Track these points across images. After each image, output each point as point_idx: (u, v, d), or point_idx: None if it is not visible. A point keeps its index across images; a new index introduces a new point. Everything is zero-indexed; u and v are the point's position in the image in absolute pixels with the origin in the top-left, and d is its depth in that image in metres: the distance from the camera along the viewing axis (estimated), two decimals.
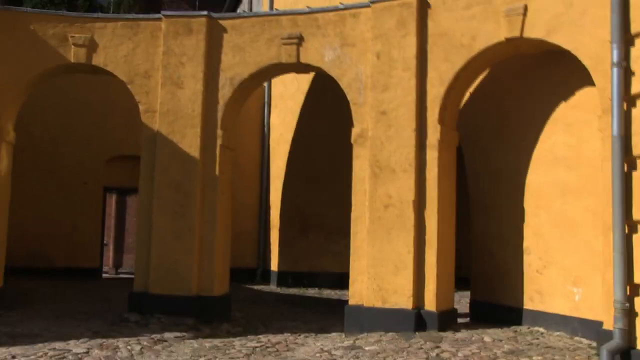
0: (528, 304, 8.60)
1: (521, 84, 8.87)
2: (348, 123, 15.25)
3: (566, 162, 8.22)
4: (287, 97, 15.68)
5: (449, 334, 8.03)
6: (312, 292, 15.03)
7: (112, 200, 26.97)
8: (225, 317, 9.53)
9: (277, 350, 7.66)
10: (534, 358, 6.92)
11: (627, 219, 6.17)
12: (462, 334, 8.04)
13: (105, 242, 28.10)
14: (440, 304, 8.25)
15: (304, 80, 14.66)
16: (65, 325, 8.63)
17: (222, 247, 9.57)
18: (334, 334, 8.93)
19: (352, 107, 8.87)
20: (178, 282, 9.19)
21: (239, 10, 19.36)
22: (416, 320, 8.12)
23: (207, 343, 8.02)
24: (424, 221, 8.28)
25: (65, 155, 14.95)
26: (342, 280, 15.84)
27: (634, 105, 6.26)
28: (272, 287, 15.51)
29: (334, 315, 10.83)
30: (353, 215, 8.68)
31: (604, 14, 7.20)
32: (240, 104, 9.99)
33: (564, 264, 8.17)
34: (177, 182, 9.33)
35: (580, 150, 8.07)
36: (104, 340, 7.76)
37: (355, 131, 8.81)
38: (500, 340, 7.71)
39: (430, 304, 8.20)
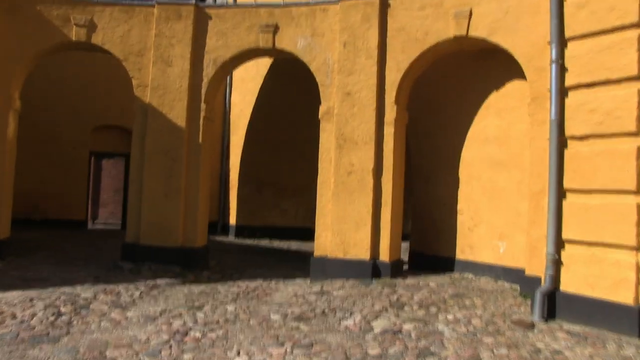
0: (460, 255, 8.42)
1: (460, 75, 8.54)
2: (300, 101, 14.81)
3: (496, 141, 7.99)
4: (248, 79, 14.95)
5: (399, 281, 7.74)
6: (264, 242, 14.53)
7: (90, 163, 25.43)
8: (205, 265, 8.91)
9: (258, 296, 7.15)
10: (474, 299, 6.72)
11: (559, 187, 5.98)
12: (411, 281, 7.76)
13: None
14: (392, 255, 7.93)
15: (263, 66, 14.01)
16: (68, 270, 7.79)
17: (203, 205, 8.89)
18: (298, 280, 8.49)
19: (320, 88, 8.31)
20: (166, 235, 8.47)
21: None
22: (373, 269, 7.77)
23: (195, 288, 7.40)
24: (380, 186, 7.89)
25: (59, 124, 13.73)
26: (287, 233, 15.60)
27: (567, 95, 6.02)
28: (231, 239, 14.92)
29: (291, 264, 10.43)
30: (319, 180, 8.19)
31: (534, 21, 6.98)
32: (221, 82, 9.26)
33: (491, 223, 8.01)
34: (167, 149, 8.53)
35: (509, 131, 7.86)
36: (106, 285, 7.01)
37: (322, 108, 8.27)
38: (443, 285, 7.48)
39: (384, 255, 7.86)
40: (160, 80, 8.56)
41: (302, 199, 15.83)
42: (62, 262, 8.49)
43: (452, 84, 8.64)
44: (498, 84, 7.99)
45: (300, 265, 10.53)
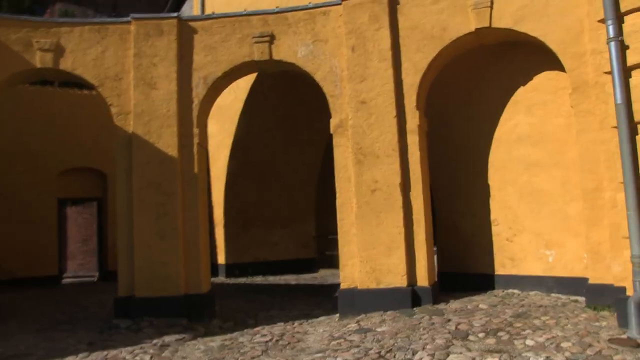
0: (499, 270, 7.48)
1: (479, 72, 7.73)
2: (286, 124, 13.86)
3: (530, 140, 7.18)
4: (225, 107, 13.87)
5: (444, 306, 6.71)
6: (259, 279, 13.31)
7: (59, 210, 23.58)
8: (212, 313, 7.65)
9: (290, 344, 5.99)
10: (541, 318, 5.76)
11: (636, 179, 5.15)
12: (456, 305, 6.74)
13: None
14: (430, 279, 6.93)
15: (242, 91, 13.05)
16: (54, 338, 6.34)
17: (204, 243, 7.68)
18: (322, 317, 7.38)
19: (329, 99, 7.34)
20: (165, 283, 7.20)
21: (183, 9, 17.14)
22: (412, 297, 6.72)
23: (212, 343, 6.17)
24: (410, 202, 6.91)
25: (18, 170, 12.12)
26: (280, 267, 14.41)
27: (630, 75, 5.27)
28: (222, 279, 13.61)
29: (303, 300, 9.29)
30: (338, 202, 7.15)
31: (567, 3, 6.28)
32: (212, 102, 8.15)
33: (534, 230, 7.13)
34: (157, 183, 7.32)
35: (543, 127, 7.06)
36: (106, 352, 5.68)
37: (334, 122, 7.28)
38: (495, 306, 6.49)
39: (422, 279, 6.83)
40: (144, 106, 7.40)
41: (291, 230, 14.71)
42: (44, 328, 7.06)
43: (470, 83, 7.83)
44: (525, 78, 7.23)
45: (314, 300, 9.39)
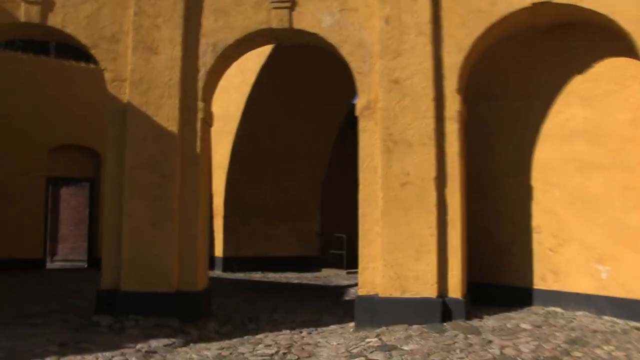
0: (539, 284, 6.47)
1: (527, 55, 6.69)
2: (297, 111, 12.83)
3: (585, 136, 6.15)
4: (231, 89, 12.78)
5: (478, 323, 5.69)
6: (257, 276, 12.29)
7: (49, 191, 22.56)
8: (208, 313, 6.64)
9: (298, 358, 4.97)
10: (603, 347, 4.76)
11: None
12: (492, 322, 5.72)
13: None
14: (463, 290, 5.93)
15: (250, 72, 12.00)
16: (19, 335, 5.25)
17: (203, 234, 6.65)
18: (334, 326, 6.38)
19: (357, 77, 6.29)
20: (156, 277, 6.16)
21: None
22: (443, 310, 5.72)
23: (206, 351, 5.15)
24: (445, 200, 5.88)
25: (5, 146, 11.05)
26: (281, 264, 13.38)
27: None
28: (219, 273, 12.58)
29: (310, 303, 8.29)
30: (361, 195, 6.12)
31: None
32: (221, 73, 7.10)
33: (585, 241, 6.10)
34: (153, 162, 6.28)
35: (603, 123, 6.03)
36: (79, 357, 4.67)
37: (360, 102, 6.25)
38: (540, 327, 5.48)
39: (455, 290, 5.81)
40: (143, 72, 6.35)
41: (295, 225, 13.66)
42: (11, 320, 6.00)
43: (516, 67, 6.79)
44: (582, 66, 6.19)
45: (321, 303, 8.37)
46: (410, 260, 5.79)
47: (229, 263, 12.72)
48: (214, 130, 13.96)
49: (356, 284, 10.92)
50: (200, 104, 6.50)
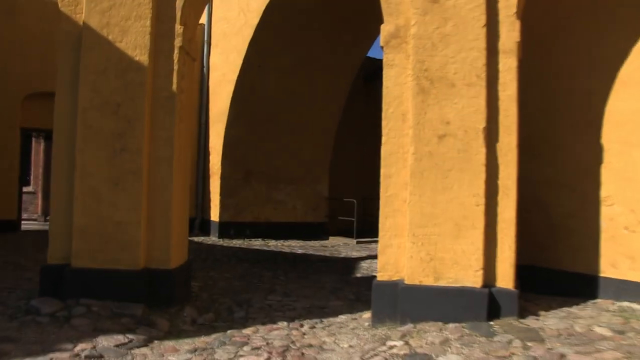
0: (608, 272, 5.00)
1: None
2: (305, 59, 11.24)
3: None
4: (232, 34, 11.26)
5: (534, 322, 4.25)
6: (257, 243, 10.99)
7: (40, 146, 21.26)
8: (186, 297, 5.27)
9: None
10: None
11: None
12: (554, 322, 4.27)
13: (33, 190, 22.29)
14: (515, 278, 4.48)
15: (253, 13, 10.41)
16: None
17: (180, 197, 5.21)
18: (343, 316, 5.00)
19: None
20: (117, 251, 4.76)
21: None
22: (489, 305, 4.29)
23: (172, 355, 3.78)
24: (496, 159, 4.38)
25: None
26: (284, 231, 12.07)
27: None
28: (214, 239, 11.33)
29: (313, 281, 6.94)
30: (384, 150, 4.60)
31: None
32: None
33: None
34: (115, 103, 4.80)
35: None
36: None
37: (386, 29, 4.66)
38: (622, 332, 4.05)
39: (504, 278, 4.35)
40: None
41: (300, 188, 12.25)
42: None
43: None
44: None
45: (327, 280, 7.01)
46: (448, 237, 4.32)
47: (225, 228, 11.45)
48: (213, 80, 12.50)
49: (368, 257, 9.62)
50: (179, 28, 4.95)
